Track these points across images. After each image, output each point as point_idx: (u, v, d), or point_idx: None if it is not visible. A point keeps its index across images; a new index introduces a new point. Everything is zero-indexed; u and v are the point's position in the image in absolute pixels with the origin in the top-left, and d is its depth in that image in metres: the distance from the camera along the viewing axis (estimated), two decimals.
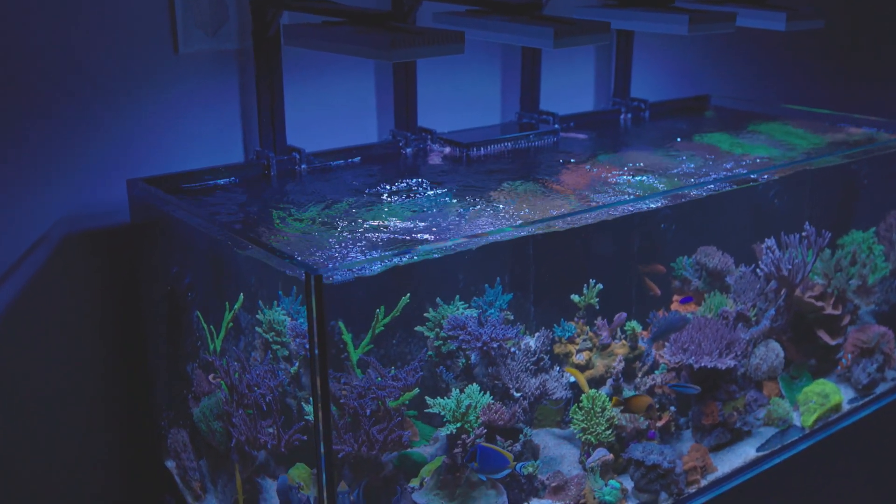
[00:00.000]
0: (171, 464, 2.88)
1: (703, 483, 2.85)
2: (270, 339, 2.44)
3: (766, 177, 2.97)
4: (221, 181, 2.80)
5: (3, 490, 2.75)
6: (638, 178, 2.85)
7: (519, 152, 3.21)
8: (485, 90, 3.52)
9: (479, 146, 3.13)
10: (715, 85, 4.22)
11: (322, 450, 1.97)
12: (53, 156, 2.64)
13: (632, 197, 2.66)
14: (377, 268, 2.07)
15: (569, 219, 2.52)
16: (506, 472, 2.39)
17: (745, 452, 3.01)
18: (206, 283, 2.59)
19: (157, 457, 2.93)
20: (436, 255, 2.23)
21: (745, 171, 2.94)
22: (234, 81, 2.93)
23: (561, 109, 3.55)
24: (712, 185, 2.77)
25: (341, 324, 2.67)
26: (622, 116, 3.74)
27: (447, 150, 3.16)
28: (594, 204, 2.59)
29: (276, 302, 2.55)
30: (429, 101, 3.30)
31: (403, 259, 2.11)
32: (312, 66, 3.05)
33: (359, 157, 3.07)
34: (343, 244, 2.27)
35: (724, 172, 2.91)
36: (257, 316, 2.41)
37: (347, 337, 2.65)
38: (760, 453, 3.02)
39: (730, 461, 2.97)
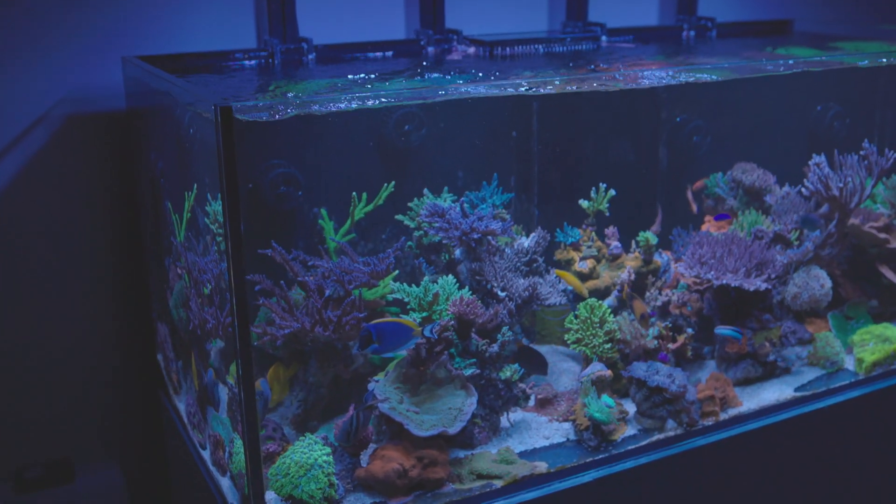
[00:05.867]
0: (159, 357, 2.81)
1: (724, 417, 2.55)
2: (215, 231, 2.31)
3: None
4: (217, 63, 2.69)
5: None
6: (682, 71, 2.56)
7: (552, 56, 2.97)
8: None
9: (505, 45, 2.90)
10: (800, 10, 3.82)
11: (232, 286, 1.80)
12: (54, 33, 2.60)
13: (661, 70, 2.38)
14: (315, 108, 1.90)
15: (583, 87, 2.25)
16: (414, 340, 2.17)
17: (781, 391, 2.68)
18: (173, 169, 2.47)
19: (151, 350, 2.87)
20: (392, 101, 2.04)
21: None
22: None
23: (620, 24, 3.29)
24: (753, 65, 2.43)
25: (324, 211, 2.52)
26: (685, 34, 3.42)
27: (472, 49, 2.96)
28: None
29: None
30: (469, 8, 3.11)
31: (351, 103, 1.93)
32: None
33: (375, 53, 2.91)
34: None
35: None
36: (206, 207, 2.29)
37: (328, 224, 2.50)
38: (800, 394, 2.68)
39: (759, 398, 2.64)
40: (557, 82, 2.25)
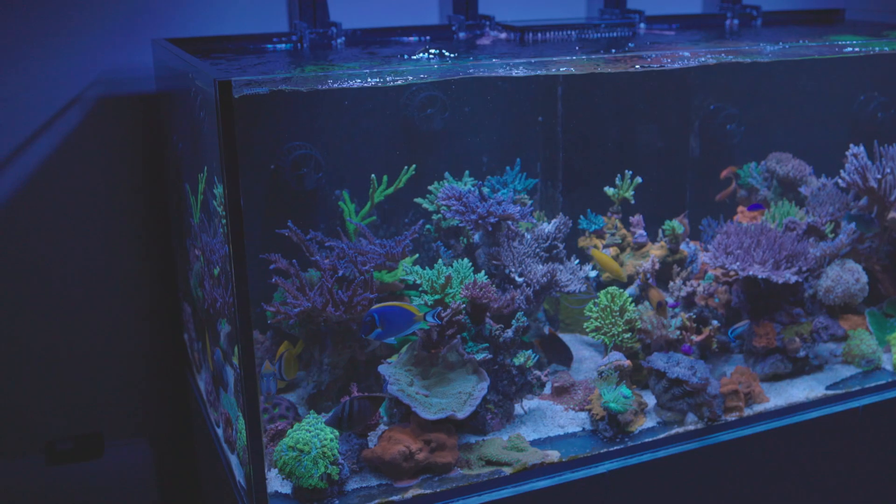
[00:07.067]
0: (185, 336, 2.84)
1: (748, 413, 2.48)
2: (221, 212, 2.32)
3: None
4: (245, 46, 2.71)
5: (35, 354, 2.81)
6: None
7: (585, 42, 2.92)
8: None
9: (536, 31, 2.86)
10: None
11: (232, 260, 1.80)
12: (86, 16, 2.64)
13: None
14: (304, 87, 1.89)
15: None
16: (416, 325, 2.14)
17: (811, 388, 2.60)
18: (189, 151, 2.49)
19: (179, 329, 2.91)
20: (400, 79, 2.02)
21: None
22: None
23: (661, 13, 3.23)
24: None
25: (345, 193, 2.52)
26: (728, 21, 3.34)
27: (503, 35, 2.93)
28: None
29: None
30: None
31: (364, 80, 1.92)
32: None
33: (405, 38, 2.89)
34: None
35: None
36: (214, 190, 2.30)
37: (349, 207, 2.49)
38: (831, 392, 2.59)
39: (787, 395, 2.57)
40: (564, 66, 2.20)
